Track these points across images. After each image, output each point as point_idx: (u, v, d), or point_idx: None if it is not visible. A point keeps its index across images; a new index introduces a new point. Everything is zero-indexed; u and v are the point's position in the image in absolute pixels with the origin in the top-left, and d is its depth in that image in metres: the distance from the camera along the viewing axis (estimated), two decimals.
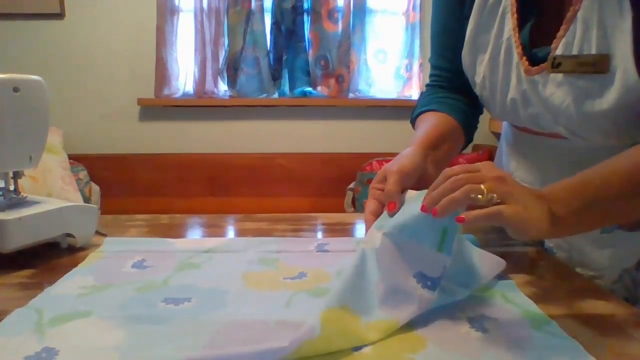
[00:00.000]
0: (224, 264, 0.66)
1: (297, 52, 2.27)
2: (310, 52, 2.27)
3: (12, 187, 0.69)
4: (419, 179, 0.62)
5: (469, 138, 0.80)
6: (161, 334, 0.47)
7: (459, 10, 0.72)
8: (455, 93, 0.80)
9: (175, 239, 0.77)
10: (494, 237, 0.77)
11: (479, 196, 0.48)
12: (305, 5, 2.26)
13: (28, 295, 0.57)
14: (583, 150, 0.66)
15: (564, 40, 0.58)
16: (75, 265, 0.66)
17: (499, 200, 0.48)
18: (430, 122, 0.73)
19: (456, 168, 0.51)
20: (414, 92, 2.32)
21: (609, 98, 0.56)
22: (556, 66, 0.59)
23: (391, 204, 0.56)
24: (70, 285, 0.59)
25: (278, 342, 0.42)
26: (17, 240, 0.64)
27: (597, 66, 0.55)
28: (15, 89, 0.65)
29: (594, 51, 0.56)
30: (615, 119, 0.58)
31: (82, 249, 0.73)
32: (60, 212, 0.69)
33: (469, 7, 0.70)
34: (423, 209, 0.51)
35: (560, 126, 0.63)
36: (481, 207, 0.48)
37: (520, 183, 0.52)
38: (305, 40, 2.27)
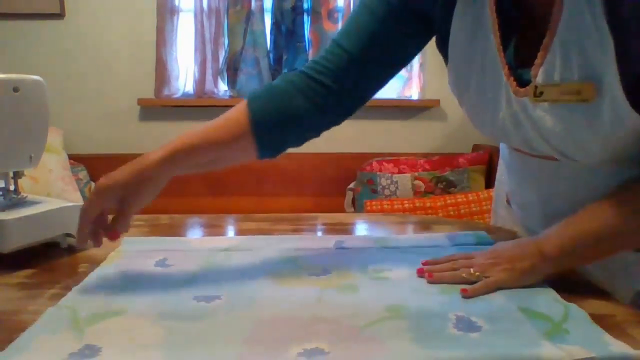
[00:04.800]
0: (246, 262, 0.67)
1: (297, 52, 2.27)
2: (310, 52, 2.27)
3: (12, 187, 0.69)
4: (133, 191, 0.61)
5: (283, 141, 0.70)
6: (200, 330, 0.48)
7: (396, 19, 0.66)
8: (331, 80, 0.67)
9: (191, 238, 0.78)
10: (503, 237, 0.76)
11: (469, 276, 0.59)
12: (305, 5, 2.26)
13: (28, 295, 0.57)
14: (579, 171, 0.63)
15: (543, 68, 0.55)
16: (75, 265, 0.66)
17: (488, 275, 0.59)
18: (209, 124, 0.67)
19: (458, 255, 0.65)
20: (414, 92, 2.32)
21: (600, 127, 0.53)
22: (539, 95, 0.56)
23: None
24: (97, 284, 0.59)
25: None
26: (17, 240, 0.65)
27: (581, 94, 0.53)
28: (15, 89, 0.65)
29: (576, 79, 0.53)
30: (610, 146, 0.56)
31: (82, 249, 0.73)
32: (60, 212, 0.69)
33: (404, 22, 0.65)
34: (420, 272, 0.63)
35: (554, 150, 0.60)
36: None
37: (508, 248, 0.63)
38: (305, 40, 2.27)
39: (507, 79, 0.59)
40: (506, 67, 0.59)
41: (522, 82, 0.58)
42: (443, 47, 0.66)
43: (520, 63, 0.59)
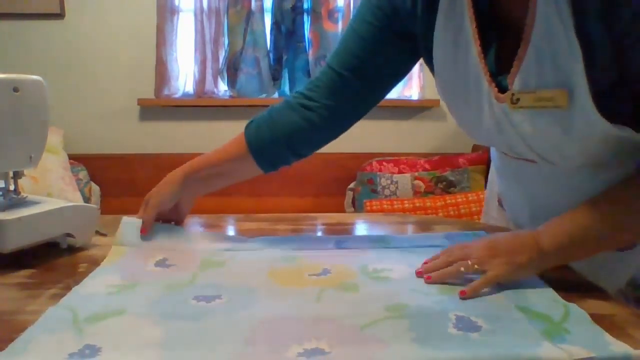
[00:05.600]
0: (247, 262, 0.67)
1: (297, 52, 2.27)
2: (310, 52, 2.27)
3: (12, 187, 0.69)
4: (174, 205, 0.78)
5: (275, 161, 0.78)
6: (200, 331, 0.48)
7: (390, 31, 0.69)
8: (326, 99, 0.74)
9: (192, 232, 0.78)
10: None
11: (467, 269, 0.59)
12: (305, 5, 2.25)
13: (28, 295, 0.57)
14: (559, 173, 0.65)
15: (519, 75, 0.57)
16: (75, 265, 0.66)
17: (486, 269, 0.58)
18: (218, 149, 0.81)
19: (453, 247, 0.64)
20: (414, 92, 2.32)
21: (574, 133, 0.55)
22: (515, 101, 0.58)
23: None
24: (97, 284, 0.59)
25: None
26: (17, 240, 0.65)
27: (555, 101, 0.54)
28: (15, 89, 0.65)
29: (550, 86, 0.55)
30: (585, 151, 0.58)
31: (82, 249, 0.73)
32: (60, 212, 0.69)
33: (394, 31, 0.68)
34: (419, 274, 0.62)
35: (534, 154, 0.62)
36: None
37: (506, 240, 0.61)
38: (305, 40, 2.27)
39: (489, 85, 0.60)
40: (488, 74, 0.61)
41: (503, 89, 0.60)
42: (429, 60, 0.69)
43: (500, 70, 0.61)
